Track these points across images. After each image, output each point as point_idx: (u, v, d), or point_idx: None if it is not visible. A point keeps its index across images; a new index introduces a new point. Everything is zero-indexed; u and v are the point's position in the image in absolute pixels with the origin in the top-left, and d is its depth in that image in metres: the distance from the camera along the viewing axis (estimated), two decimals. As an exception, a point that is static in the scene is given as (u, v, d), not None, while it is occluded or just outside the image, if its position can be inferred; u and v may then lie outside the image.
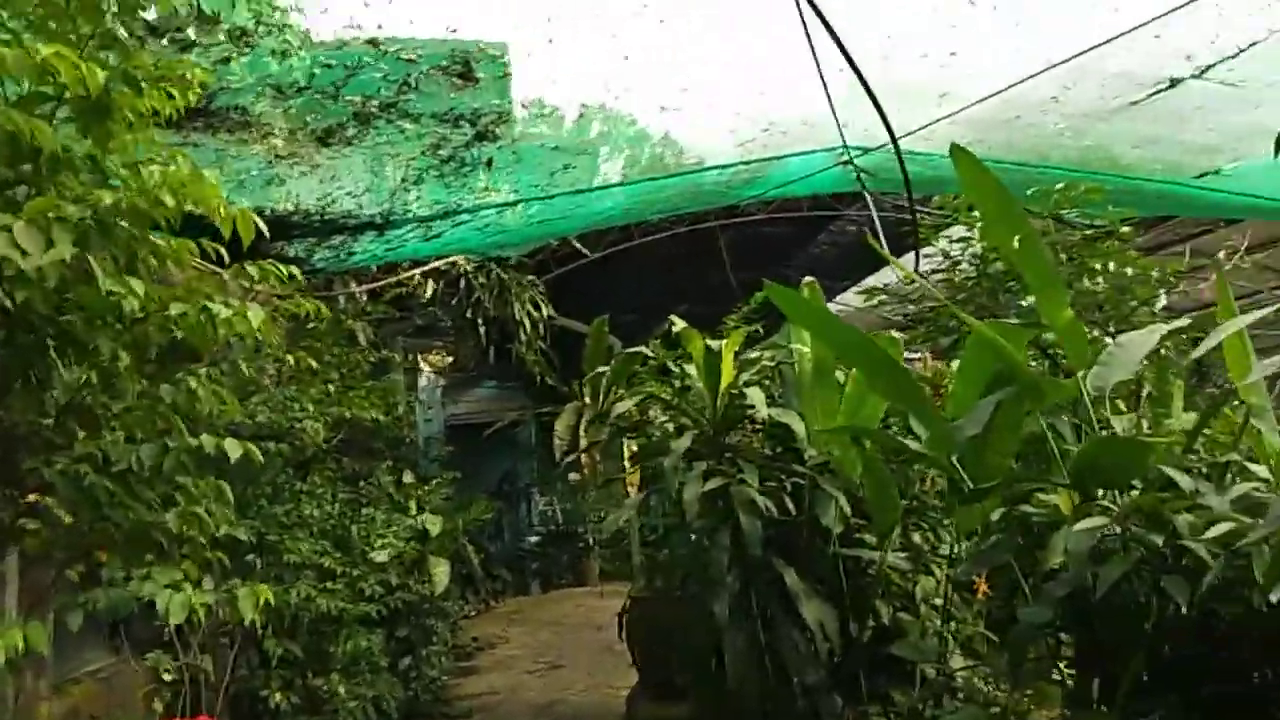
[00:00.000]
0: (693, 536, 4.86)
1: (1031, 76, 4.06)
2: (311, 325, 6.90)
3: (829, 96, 4.33)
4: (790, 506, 4.59)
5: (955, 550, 4.72)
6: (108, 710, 4.40)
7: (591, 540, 14.02)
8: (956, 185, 6.38)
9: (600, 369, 8.54)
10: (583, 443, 8.72)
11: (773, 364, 5.04)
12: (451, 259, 8.27)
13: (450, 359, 12.02)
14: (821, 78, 4.13)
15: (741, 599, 4.59)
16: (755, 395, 4.48)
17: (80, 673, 4.38)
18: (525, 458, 15.03)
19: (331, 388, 5.66)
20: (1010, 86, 4.11)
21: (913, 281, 5.91)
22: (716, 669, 4.44)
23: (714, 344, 4.69)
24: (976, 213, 5.82)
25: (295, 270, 2.61)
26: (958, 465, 3.61)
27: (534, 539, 14.41)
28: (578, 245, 9.04)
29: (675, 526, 5.09)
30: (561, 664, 9.06)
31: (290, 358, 4.16)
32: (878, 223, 6.79)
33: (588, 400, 10.24)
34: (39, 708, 3.14)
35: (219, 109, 3.43)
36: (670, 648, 5.43)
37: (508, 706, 7.69)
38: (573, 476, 13.51)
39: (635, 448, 8.27)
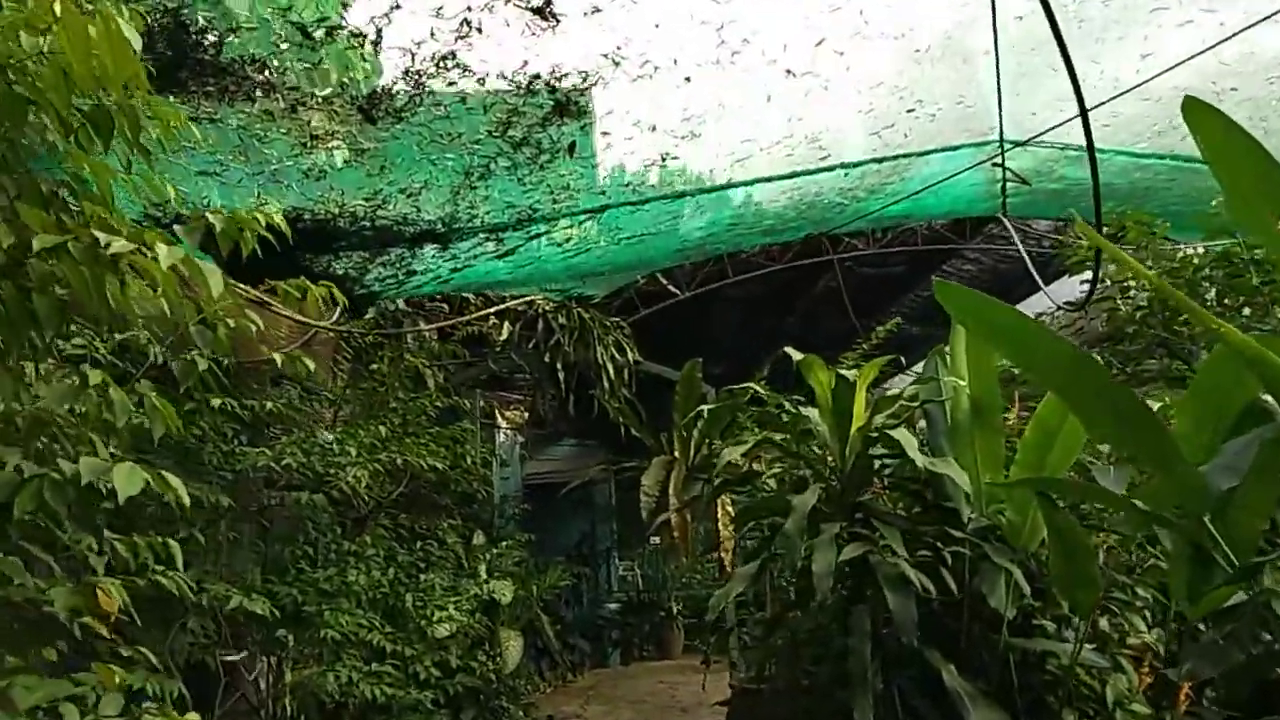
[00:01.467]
0: (820, 618, 3.90)
1: (1262, 20, 3.10)
2: (374, 366, 6.20)
3: (998, 64, 3.44)
4: (949, 582, 3.59)
5: (1164, 641, 3.76)
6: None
7: (675, 609, 13.02)
8: (1123, 196, 5.42)
9: (693, 415, 7.62)
10: (672, 500, 7.80)
11: (914, 403, 4.08)
12: (529, 298, 7.53)
13: (527, 414, 11.29)
14: (995, 39, 3.25)
15: (885, 699, 3.62)
16: (905, 439, 3.51)
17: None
18: (604, 519, 14.26)
19: (384, 429, 4.85)
20: (1237, 33, 3.15)
21: (1081, 309, 4.92)
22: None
23: (847, 374, 3.76)
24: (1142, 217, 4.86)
25: (277, 215, 1.80)
26: (1211, 529, 2.62)
27: (613, 606, 13.52)
28: (665, 284, 8.22)
29: (796, 604, 4.13)
30: (646, 754, 8.14)
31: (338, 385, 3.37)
32: (1020, 247, 5.81)
33: (677, 454, 9.38)
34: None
35: (230, 63, 2.70)
36: (786, 753, 4.42)
37: (587, 803, 6.78)
38: (654, 540, 12.62)
39: (731, 507, 7.30)
